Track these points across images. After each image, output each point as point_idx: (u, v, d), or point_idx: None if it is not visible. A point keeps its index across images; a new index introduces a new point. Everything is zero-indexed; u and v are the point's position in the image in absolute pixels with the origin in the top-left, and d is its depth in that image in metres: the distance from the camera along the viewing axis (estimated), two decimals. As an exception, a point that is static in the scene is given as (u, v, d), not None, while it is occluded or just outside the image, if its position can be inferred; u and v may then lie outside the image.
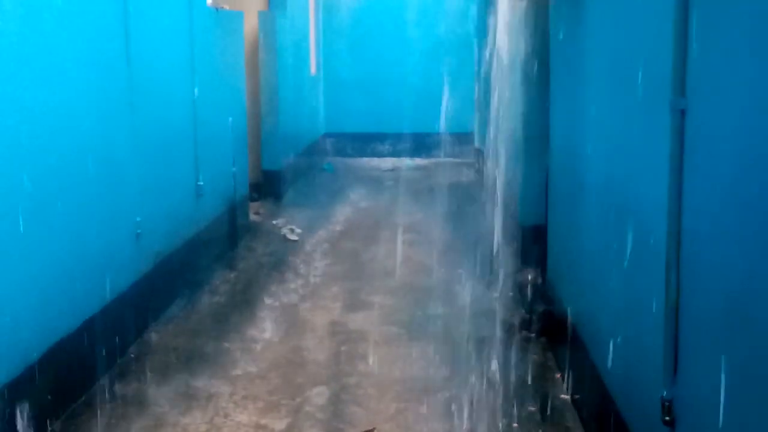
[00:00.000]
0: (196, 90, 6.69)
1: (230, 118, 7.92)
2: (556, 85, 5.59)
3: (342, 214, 9.81)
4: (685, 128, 2.70)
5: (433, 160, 14.22)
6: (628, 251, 3.45)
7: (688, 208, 2.67)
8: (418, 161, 14.28)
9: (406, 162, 14.19)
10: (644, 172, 3.22)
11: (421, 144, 14.51)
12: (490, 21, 10.37)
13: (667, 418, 2.76)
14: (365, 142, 14.94)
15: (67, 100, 4.43)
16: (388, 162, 14.30)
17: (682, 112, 2.69)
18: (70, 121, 4.46)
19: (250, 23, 10.00)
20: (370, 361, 5.16)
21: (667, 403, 2.76)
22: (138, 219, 5.41)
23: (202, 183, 6.87)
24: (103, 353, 4.82)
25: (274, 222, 9.19)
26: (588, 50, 4.51)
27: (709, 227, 2.49)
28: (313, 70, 13.85)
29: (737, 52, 2.29)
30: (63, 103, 4.38)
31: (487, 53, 10.88)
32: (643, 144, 3.25)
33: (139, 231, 5.42)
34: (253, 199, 9.64)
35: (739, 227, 2.25)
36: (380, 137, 14.90)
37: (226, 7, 8.23)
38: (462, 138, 13.90)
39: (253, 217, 9.24)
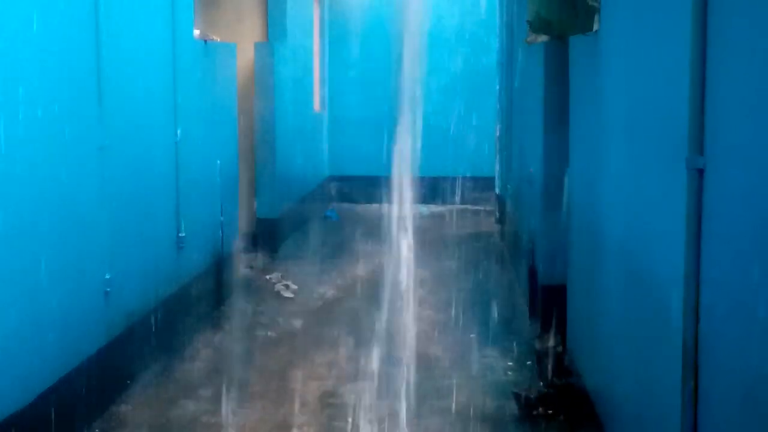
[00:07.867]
0: (178, 131, 6.72)
1: (219, 162, 7.95)
2: (575, 136, 5.59)
3: (345, 268, 9.78)
4: (703, 189, 2.67)
5: (449, 207, 14.21)
6: (645, 323, 3.41)
7: (706, 279, 2.64)
8: (433, 208, 14.27)
9: (420, 209, 14.18)
10: (660, 235, 3.19)
11: (437, 189, 14.50)
12: (513, 58, 10.43)
13: None
14: (374, 187, 14.93)
15: (24, 144, 4.44)
16: (398, 209, 14.29)
17: (700, 172, 2.67)
18: (28, 168, 4.46)
19: (246, 56, 10.07)
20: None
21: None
22: (107, 276, 5.40)
23: (183, 234, 6.87)
24: (65, 429, 4.78)
25: (268, 277, 9.18)
26: (606, 103, 4.52)
27: (728, 303, 2.45)
28: (317, 106, 13.89)
29: (759, 108, 2.28)
30: (19, 148, 4.39)
31: (508, 94, 10.92)
32: (659, 205, 3.22)
33: (108, 289, 5.41)
34: (246, 251, 9.63)
35: (760, 304, 2.21)
36: (391, 182, 14.90)
37: (217, 39, 8.30)
38: (481, 183, 13.91)
39: (244, 271, 9.23)
